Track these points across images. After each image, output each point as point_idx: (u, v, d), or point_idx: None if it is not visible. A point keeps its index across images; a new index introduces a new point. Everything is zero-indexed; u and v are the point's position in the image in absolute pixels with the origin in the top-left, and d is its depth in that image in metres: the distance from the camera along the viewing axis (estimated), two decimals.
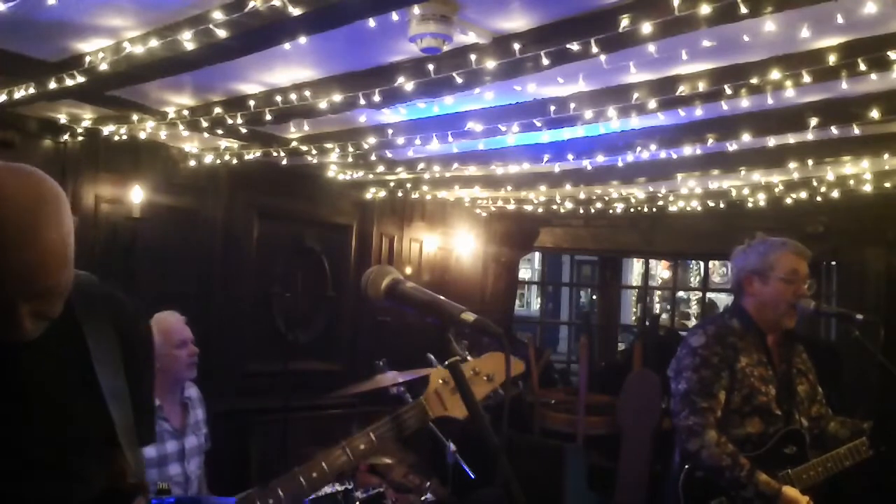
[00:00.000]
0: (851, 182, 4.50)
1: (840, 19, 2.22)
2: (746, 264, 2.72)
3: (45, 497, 1.25)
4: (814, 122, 3.16)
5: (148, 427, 1.45)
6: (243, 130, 3.84)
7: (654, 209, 6.06)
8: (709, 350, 2.61)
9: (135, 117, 3.73)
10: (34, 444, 1.24)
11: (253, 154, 4.41)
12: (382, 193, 5.75)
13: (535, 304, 14.74)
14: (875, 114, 2.99)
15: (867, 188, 4.53)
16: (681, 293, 14.04)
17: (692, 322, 12.42)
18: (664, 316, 9.32)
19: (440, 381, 1.59)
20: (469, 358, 1.58)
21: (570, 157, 4.11)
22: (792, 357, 2.73)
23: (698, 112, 3.21)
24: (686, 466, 2.58)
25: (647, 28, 2.22)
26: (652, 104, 3.01)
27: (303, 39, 2.49)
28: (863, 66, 2.50)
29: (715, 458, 2.47)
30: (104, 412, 1.29)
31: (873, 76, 2.66)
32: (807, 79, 2.65)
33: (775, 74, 2.66)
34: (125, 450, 1.31)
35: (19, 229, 1.11)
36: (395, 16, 2.36)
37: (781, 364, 2.70)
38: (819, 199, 5.03)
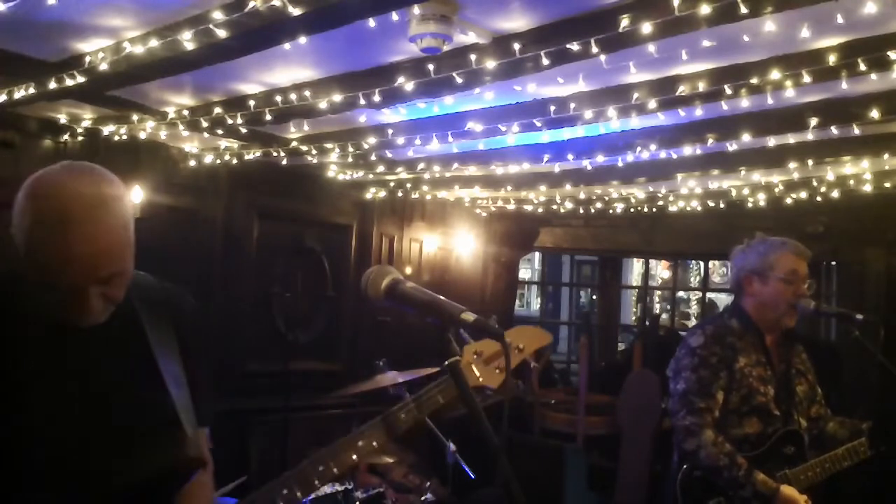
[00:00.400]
0: (851, 182, 4.50)
1: (840, 19, 2.21)
2: (746, 264, 2.72)
3: (111, 471, 1.36)
4: (814, 122, 3.16)
5: (206, 410, 1.56)
6: (243, 130, 3.84)
7: (654, 209, 6.06)
8: (707, 350, 2.61)
9: (135, 117, 3.73)
10: (100, 422, 1.35)
11: (253, 154, 4.41)
12: (382, 193, 5.75)
13: (535, 304, 14.75)
14: (875, 114, 2.99)
15: (867, 188, 4.53)
16: (681, 293, 14.05)
17: (692, 322, 12.42)
18: (664, 316, 9.32)
19: (473, 355, 1.70)
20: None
21: (570, 157, 4.10)
22: (791, 357, 2.73)
23: (698, 112, 3.21)
24: (684, 466, 2.59)
25: (647, 28, 2.22)
26: (652, 104, 3.01)
27: (303, 39, 2.49)
28: (863, 66, 2.49)
29: (712, 457, 2.47)
30: (165, 393, 1.42)
31: (873, 76, 2.66)
32: (807, 79, 2.65)
33: (775, 74, 2.65)
34: (185, 428, 1.44)
35: (86, 221, 1.25)
36: (395, 16, 2.35)
37: (780, 364, 2.70)
38: (819, 199, 5.03)
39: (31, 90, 3.19)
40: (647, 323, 7.75)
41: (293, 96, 3.22)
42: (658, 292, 12.67)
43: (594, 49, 2.40)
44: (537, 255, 11.44)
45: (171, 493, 1.44)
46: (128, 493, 1.38)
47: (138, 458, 1.41)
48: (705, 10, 2.08)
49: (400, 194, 5.85)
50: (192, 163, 4.60)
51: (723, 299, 11.17)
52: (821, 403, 2.79)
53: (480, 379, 1.68)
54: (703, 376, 2.58)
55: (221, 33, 2.38)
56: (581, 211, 6.18)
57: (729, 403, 2.58)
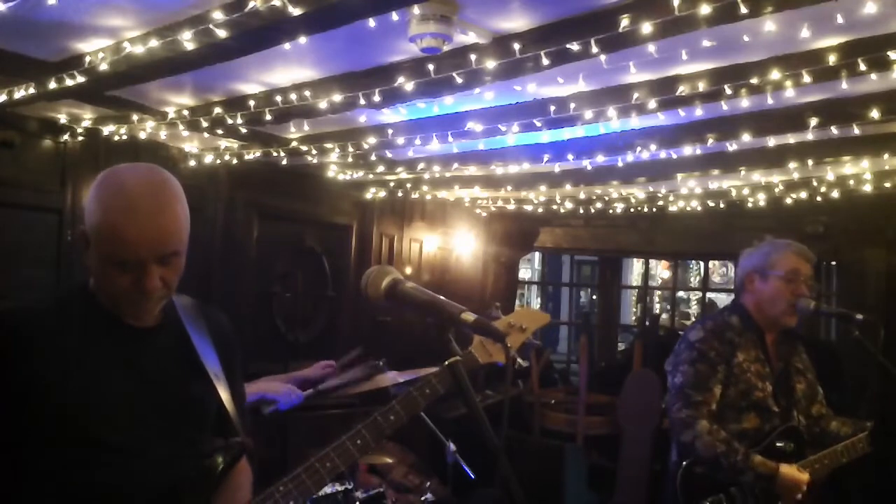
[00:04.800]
0: (851, 182, 4.50)
1: (840, 19, 2.22)
2: (749, 263, 2.74)
3: (169, 457, 1.52)
4: (814, 122, 3.16)
5: (245, 415, 1.72)
6: (243, 130, 3.83)
7: (654, 209, 6.06)
8: (706, 344, 2.63)
9: (135, 117, 3.73)
10: (159, 413, 1.52)
11: (253, 154, 4.41)
12: (382, 193, 5.74)
13: (535, 304, 14.76)
14: (875, 114, 2.99)
15: (867, 188, 4.53)
16: (681, 293, 14.05)
17: (692, 322, 12.39)
18: (664, 316, 9.32)
19: None
20: (501, 315, 1.89)
21: (570, 157, 4.10)
22: (791, 356, 2.75)
23: (698, 112, 3.20)
24: (684, 463, 2.59)
25: (647, 28, 2.22)
26: (652, 104, 3.01)
27: (303, 39, 2.49)
28: (863, 66, 2.50)
29: (709, 446, 2.49)
30: (213, 389, 1.59)
31: (873, 76, 2.66)
32: (807, 79, 2.65)
33: (775, 74, 2.66)
34: (231, 419, 1.61)
35: (151, 201, 1.45)
36: (395, 16, 2.36)
37: (779, 363, 2.71)
38: (819, 199, 5.03)
39: (31, 90, 3.19)
40: (647, 323, 7.75)
41: (293, 96, 3.22)
42: (658, 292, 12.68)
43: (594, 49, 2.40)
44: (537, 255, 11.45)
45: (221, 475, 1.57)
46: (182, 474, 1.52)
47: (190, 443, 1.57)
48: (705, 10, 2.08)
49: (400, 194, 5.85)
50: (192, 163, 4.60)
51: (723, 299, 11.16)
52: (822, 403, 2.80)
53: (492, 356, 1.83)
54: (700, 370, 2.60)
55: (221, 33, 2.38)
56: (581, 211, 6.18)
57: (727, 398, 2.60)
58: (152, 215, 1.44)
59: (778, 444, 2.58)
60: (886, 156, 3.77)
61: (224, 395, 1.61)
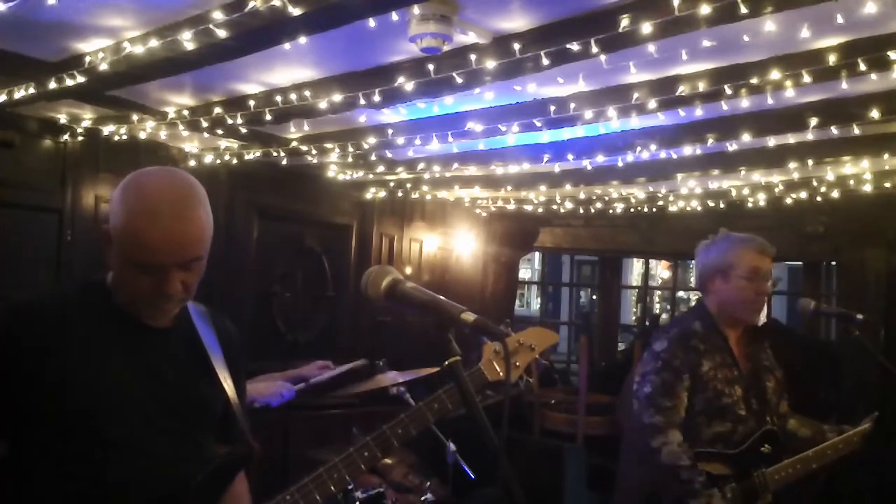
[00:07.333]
0: (851, 182, 4.50)
1: (840, 19, 2.22)
2: (709, 261, 2.73)
3: (175, 457, 1.52)
4: (814, 122, 3.16)
5: (245, 419, 1.72)
6: (243, 130, 3.83)
7: (654, 209, 6.05)
8: (670, 353, 2.63)
9: (135, 117, 3.73)
10: (168, 413, 1.53)
11: (253, 154, 4.41)
12: (382, 193, 5.75)
13: (535, 304, 14.77)
14: (875, 114, 2.99)
15: (867, 188, 4.53)
16: (681, 293, 14.03)
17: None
18: (664, 316, 9.31)
19: (494, 351, 1.87)
20: (511, 333, 1.93)
21: (570, 157, 4.10)
22: (758, 354, 2.73)
23: (698, 112, 3.21)
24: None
25: (647, 28, 2.22)
26: (652, 104, 3.01)
27: (303, 39, 2.49)
28: (863, 66, 2.50)
29: (675, 455, 2.47)
30: (222, 392, 1.61)
31: (873, 76, 2.66)
32: (807, 79, 2.65)
33: (775, 74, 2.66)
34: (237, 422, 1.62)
35: (176, 207, 1.46)
36: (395, 16, 2.36)
37: (747, 363, 2.69)
38: (819, 199, 5.03)
39: (31, 90, 3.19)
40: (647, 323, 7.74)
41: (293, 96, 3.22)
42: (658, 292, 12.68)
43: (594, 49, 2.40)
44: (537, 255, 11.45)
45: (227, 480, 1.58)
46: (187, 476, 1.51)
47: (197, 444, 1.57)
48: (705, 10, 2.08)
49: (400, 194, 5.85)
50: (192, 163, 4.60)
51: None
52: (786, 400, 2.78)
53: (500, 374, 1.85)
54: (666, 379, 2.60)
55: (221, 33, 2.38)
56: (581, 211, 6.18)
57: (695, 406, 2.59)
58: (176, 222, 1.45)
59: (758, 448, 2.57)
60: (886, 156, 3.77)
61: (231, 398, 1.62)
